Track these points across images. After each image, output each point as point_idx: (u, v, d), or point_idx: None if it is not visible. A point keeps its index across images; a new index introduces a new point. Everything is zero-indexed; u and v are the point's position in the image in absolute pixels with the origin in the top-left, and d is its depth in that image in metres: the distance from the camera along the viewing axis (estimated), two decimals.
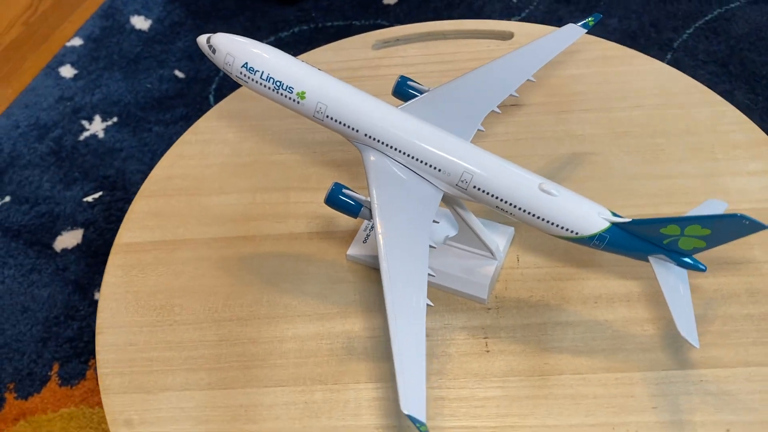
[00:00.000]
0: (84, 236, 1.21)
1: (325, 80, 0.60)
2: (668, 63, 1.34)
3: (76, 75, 1.47)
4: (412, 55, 0.91)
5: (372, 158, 0.60)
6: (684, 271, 0.58)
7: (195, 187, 0.80)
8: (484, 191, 0.59)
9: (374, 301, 0.68)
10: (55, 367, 1.06)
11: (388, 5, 1.52)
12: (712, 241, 0.56)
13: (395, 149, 0.60)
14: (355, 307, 0.68)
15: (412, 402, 0.49)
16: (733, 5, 1.43)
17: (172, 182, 0.81)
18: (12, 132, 1.38)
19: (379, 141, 0.60)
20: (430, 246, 0.57)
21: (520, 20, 1.49)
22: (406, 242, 0.56)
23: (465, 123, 0.64)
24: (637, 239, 0.57)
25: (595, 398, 0.61)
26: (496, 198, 0.58)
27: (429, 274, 0.56)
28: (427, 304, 0.54)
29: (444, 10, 1.50)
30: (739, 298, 0.66)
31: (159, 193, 0.80)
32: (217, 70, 1.43)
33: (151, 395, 0.64)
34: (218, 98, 1.40)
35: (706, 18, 1.43)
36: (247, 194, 0.78)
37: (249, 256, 0.73)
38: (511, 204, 0.58)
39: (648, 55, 0.87)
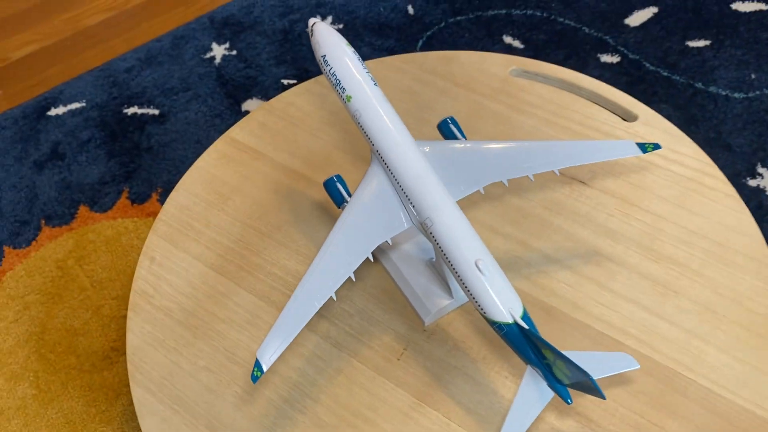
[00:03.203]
0: None
1: (370, 94, 0.72)
2: None
3: None
4: (538, 95, 0.96)
5: (375, 170, 0.72)
6: (550, 393, 0.64)
7: (301, 120, 0.97)
8: (436, 241, 0.68)
9: (359, 278, 0.78)
10: None
11: (628, 25, 1.50)
12: (573, 384, 0.60)
13: (391, 172, 0.71)
14: None
15: (269, 352, 0.64)
16: None
17: (290, 108, 0.99)
18: (266, 1, 1.65)
19: (382, 159, 0.71)
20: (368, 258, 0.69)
21: (744, 98, 1.39)
22: (353, 242, 0.69)
23: (468, 181, 0.72)
24: (527, 346, 0.64)
25: None
26: (441, 251, 0.68)
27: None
28: (330, 297, 0.67)
29: (676, 55, 1.45)
30: None
31: (276, 113, 0.98)
32: (440, 19, 1.55)
33: (175, 249, 0.86)
34: (425, 46, 1.53)
35: None
36: (329, 147, 0.94)
37: (297, 193, 0.90)
38: (449, 262, 0.67)
39: None
